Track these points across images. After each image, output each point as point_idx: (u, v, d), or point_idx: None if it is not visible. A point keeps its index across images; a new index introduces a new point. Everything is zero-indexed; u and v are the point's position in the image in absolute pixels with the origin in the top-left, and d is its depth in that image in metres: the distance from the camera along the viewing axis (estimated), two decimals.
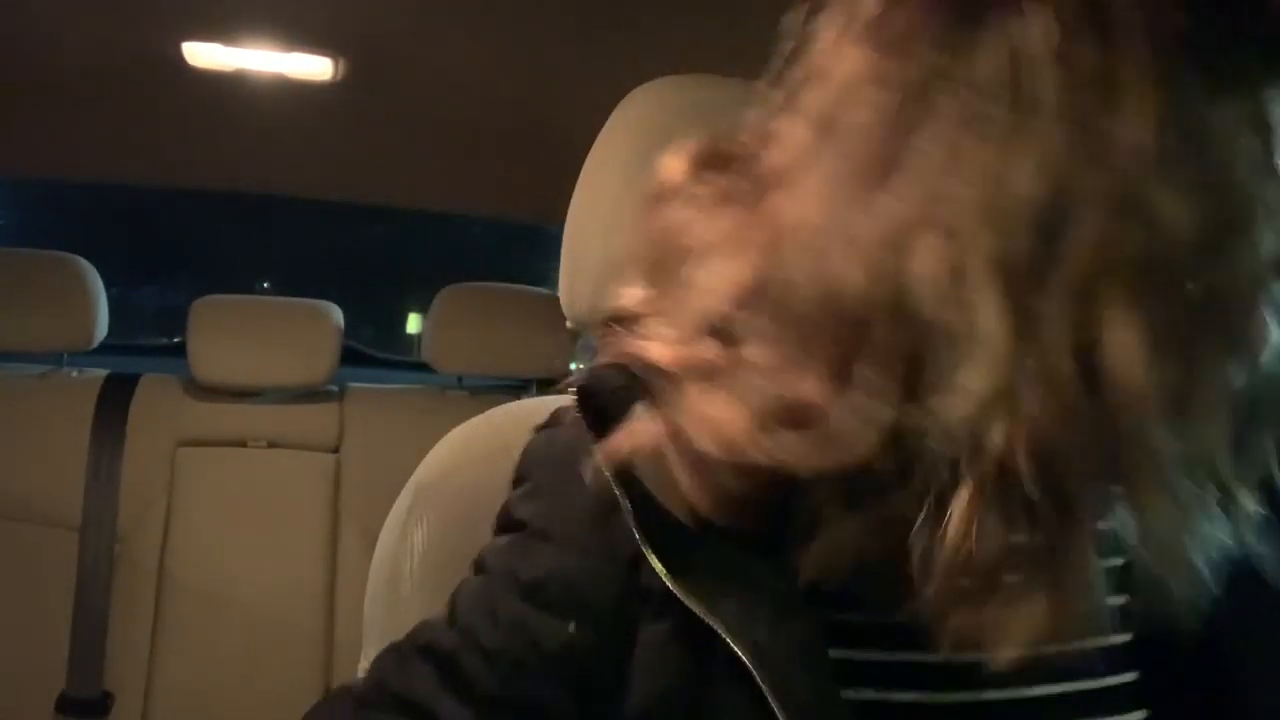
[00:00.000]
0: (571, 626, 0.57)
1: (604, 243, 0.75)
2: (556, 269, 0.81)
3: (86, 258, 1.97)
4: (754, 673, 0.51)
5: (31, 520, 1.80)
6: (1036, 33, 0.43)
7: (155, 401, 1.91)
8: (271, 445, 1.94)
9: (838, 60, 0.48)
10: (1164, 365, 0.43)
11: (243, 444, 1.94)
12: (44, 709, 1.74)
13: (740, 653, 0.52)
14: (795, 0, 0.54)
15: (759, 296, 0.50)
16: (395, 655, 0.62)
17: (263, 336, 1.95)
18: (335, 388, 2.03)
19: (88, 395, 1.88)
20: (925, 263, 0.44)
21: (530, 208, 1.98)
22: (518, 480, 0.64)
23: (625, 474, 0.55)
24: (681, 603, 0.53)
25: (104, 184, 2.51)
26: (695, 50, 1.30)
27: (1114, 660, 0.56)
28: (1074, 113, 0.43)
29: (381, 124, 1.70)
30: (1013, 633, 0.47)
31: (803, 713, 0.51)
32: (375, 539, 0.81)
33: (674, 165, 0.58)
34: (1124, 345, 0.43)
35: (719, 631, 0.52)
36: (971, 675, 0.52)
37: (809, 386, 0.48)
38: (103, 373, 1.96)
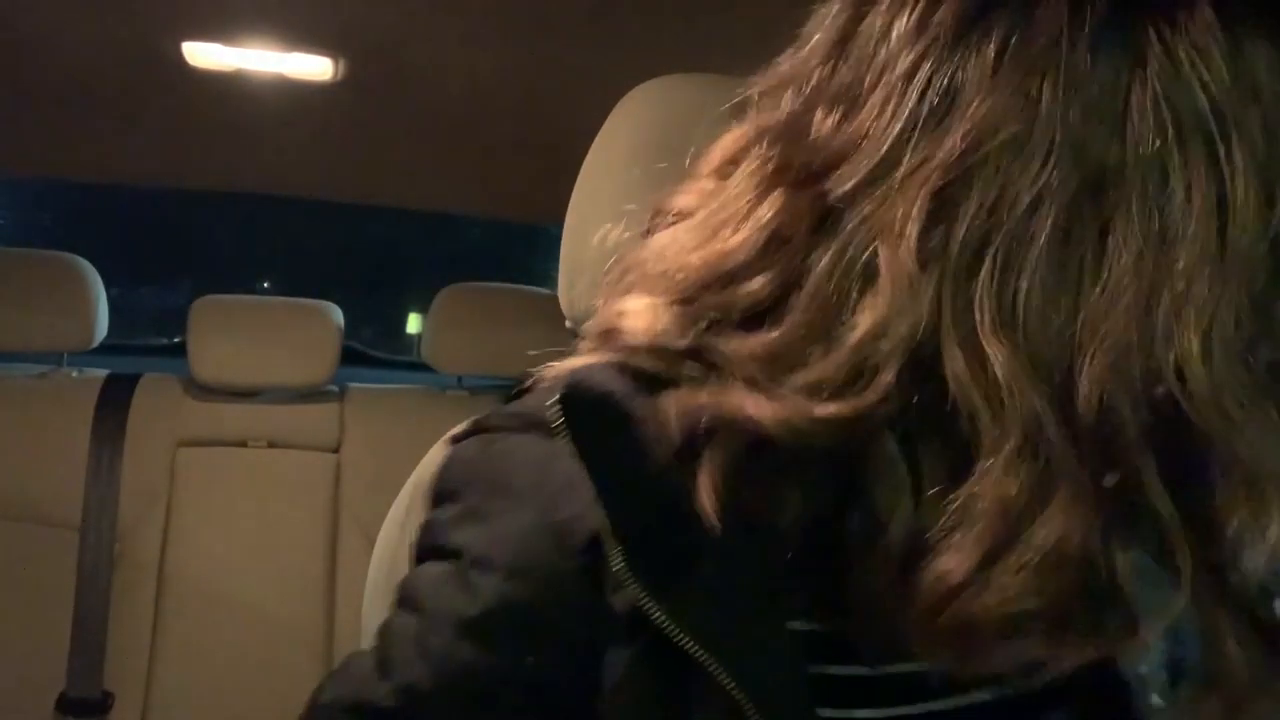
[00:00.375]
0: (529, 660, 0.53)
1: (603, 242, 0.75)
2: (556, 269, 0.81)
3: (86, 258, 1.97)
4: (735, 694, 0.49)
5: (31, 520, 1.80)
6: None
7: (155, 401, 1.91)
8: (272, 445, 1.94)
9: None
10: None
11: (243, 444, 1.94)
12: (44, 709, 1.73)
13: (723, 676, 0.49)
14: (793, 1, 0.55)
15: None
16: (316, 711, 0.56)
17: (263, 336, 1.95)
18: (335, 388, 2.03)
19: (88, 395, 1.88)
20: None
21: (530, 208, 1.98)
22: (441, 498, 0.58)
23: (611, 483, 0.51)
24: (651, 623, 0.50)
25: (104, 184, 2.51)
26: (695, 50, 1.30)
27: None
28: None
29: (381, 124, 1.70)
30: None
31: (767, 700, 0.49)
32: (375, 539, 0.81)
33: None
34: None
35: (701, 658, 0.49)
36: (919, 686, 0.51)
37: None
38: (103, 373, 1.96)
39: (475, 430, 0.59)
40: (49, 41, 1.38)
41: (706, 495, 0.49)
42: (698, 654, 0.50)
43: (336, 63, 1.42)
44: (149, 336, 2.87)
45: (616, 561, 0.50)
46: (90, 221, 3.57)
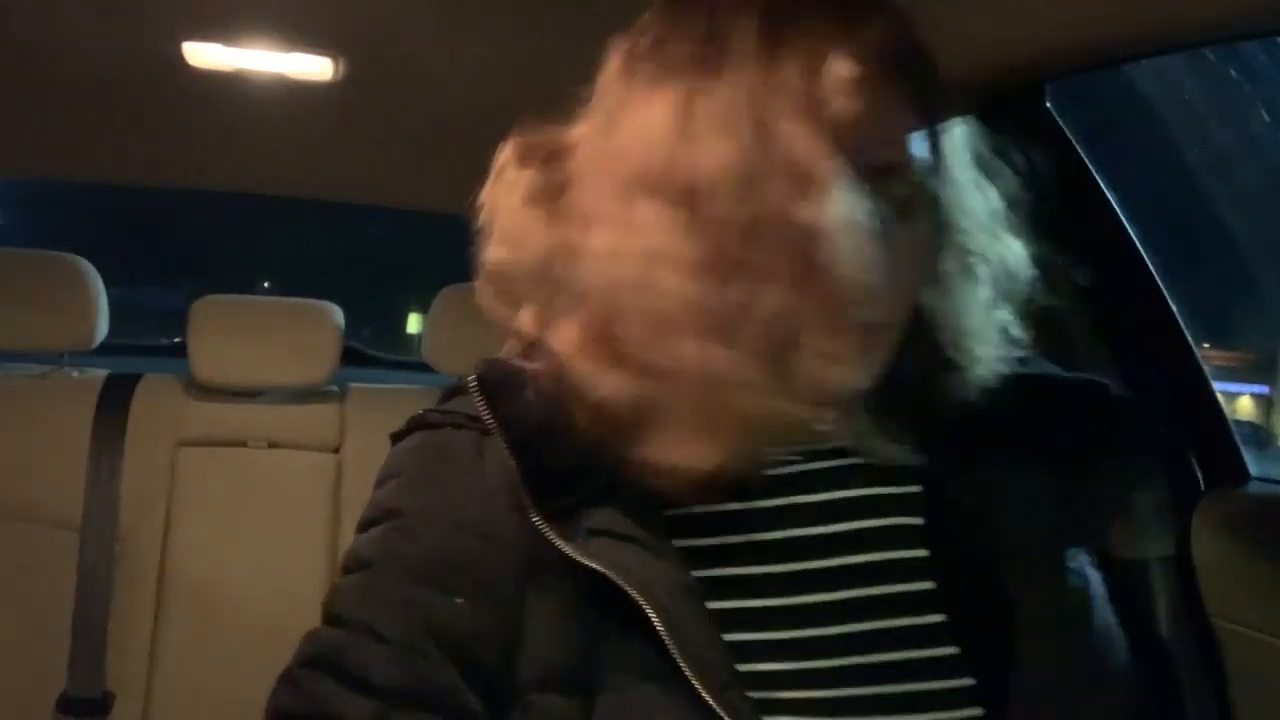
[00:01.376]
0: (459, 601, 0.61)
1: None
2: None
3: (86, 258, 1.97)
4: (651, 617, 0.58)
5: (31, 520, 1.80)
6: None
7: (155, 401, 1.91)
8: (272, 445, 1.94)
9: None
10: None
11: (243, 444, 1.93)
12: (44, 709, 1.73)
13: (638, 598, 0.58)
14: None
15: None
16: (286, 681, 0.63)
17: (263, 336, 1.95)
18: (335, 388, 2.03)
19: (88, 395, 1.88)
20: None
21: None
22: (384, 480, 0.68)
23: (516, 446, 0.62)
24: (570, 567, 0.59)
25: (104, 184, 2.51)
26: None
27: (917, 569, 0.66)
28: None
29: (381, 124, 1.70)
30: None
31: (691, 645, 0.58)
32: None
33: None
34: None
35: (618, 582, 0.59)
36: (798, 580, 0.64)
37: None
38: (103, 373, 1.96)
39: (415, 427, 0.69)
40: (49, 41, 1.38)
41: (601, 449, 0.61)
42: (610, 579, 0.59)
43: (336, 63, 1.42)
44: (149, 336, 2.87)
45: (533, 511, 0.61)
46: (90, 221, 3.57)
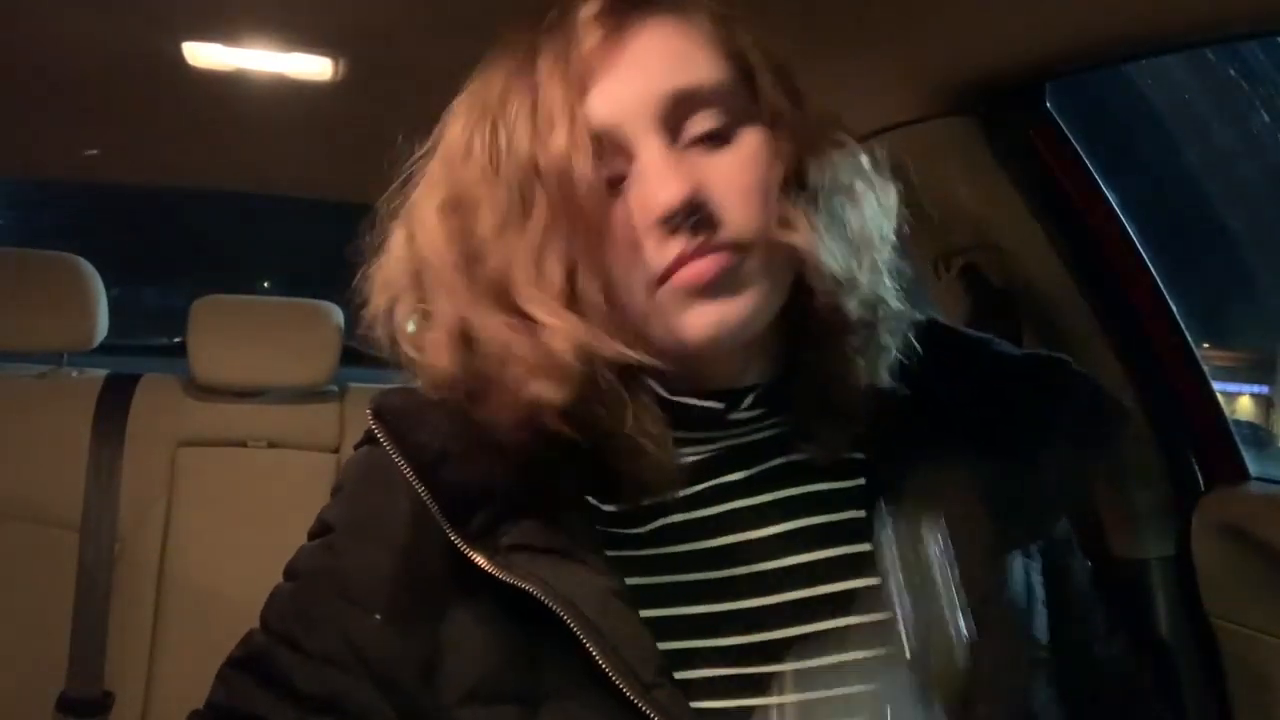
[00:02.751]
0: (378, 617, 0.62)
1: None
2: None
3: (86, 258, 1.97)
4: (571, 626, 0.58)
5: (31, 520, 1.80)
6: None
7: (155, 401, 1.91)
8: (272, 445, 1.94)
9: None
10: None
11: (243, 444, 1.93)
12: (44, 709, 1.73)
13: (557, 609, 0.58)
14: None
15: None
16: (219, 678, 0.67)
17: (263, 336, 1.95)
18: (335, 388, 2.03)
19: (88, 395, 1.88)
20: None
21: None
22: (333, 493, 0.71)
23: (424, 470, 0.63)
24: (493, 584, 0.60)
25: (104, 184, 2.51)
26: None
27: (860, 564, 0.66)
28: None
29: (381, 124, 1.70)
30: None
31: (618, 650, 0.58)
32: None
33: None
34: None
35: (536, 595, 0.59)
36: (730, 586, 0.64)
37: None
38: (103, 373, 1.96)
39: (365, 440, 0.71)
40: (49, 41, 1.38)
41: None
42: (534, 591, 0.59)
43: (336, 63, 1.41)
44: (149, 336, 2.87)
45: (451, 531, 0.61)
46: (90, 221, 3.57)
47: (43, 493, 1.81)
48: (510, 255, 0.60)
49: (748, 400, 0.67)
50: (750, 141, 0.63)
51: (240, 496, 1.89)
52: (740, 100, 0.64)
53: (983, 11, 1.02)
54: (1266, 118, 1.51)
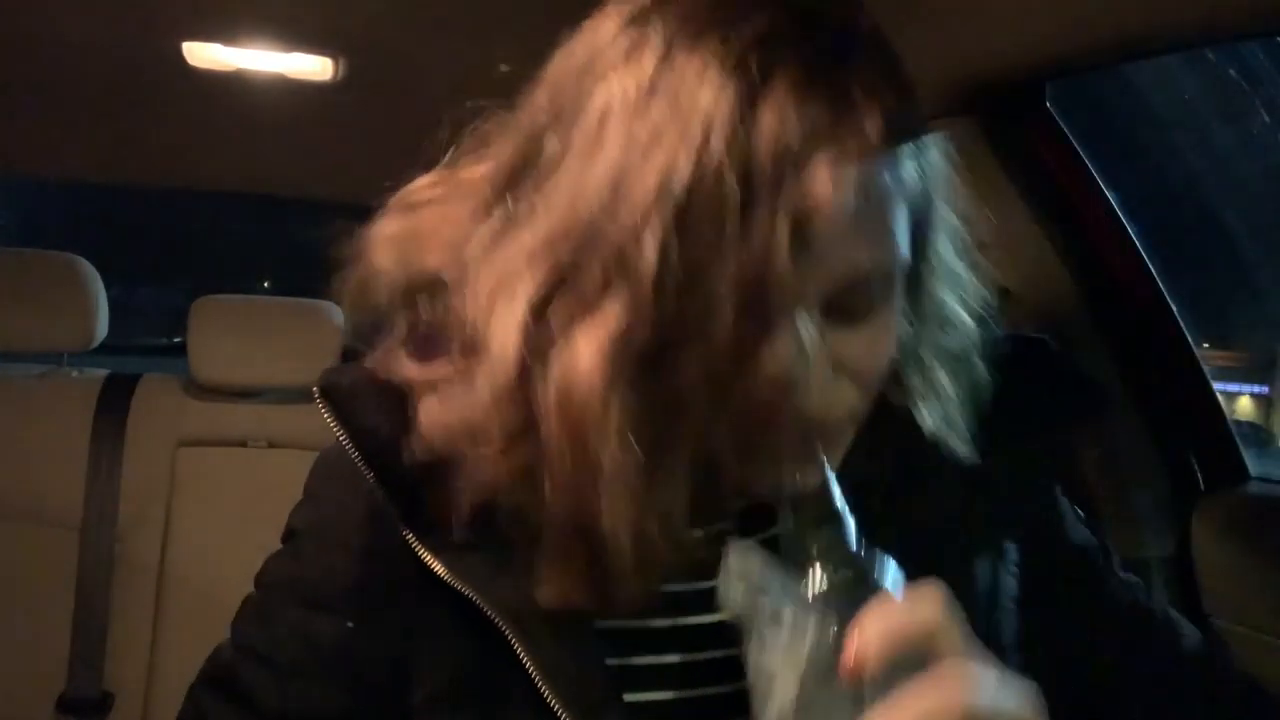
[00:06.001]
0: (349, 623, 0.59)
1: None
2: None
3: (86, 258, 1.97)
4: (511, 639, 0.55)
5: (31, 520, 1.80)
6: None
7: (155, 401, 1.91)
8: (271, 445, 1.94)
9: None
10: None
11: (243, 444, 1.93)
12: (44, 709, 1.73)
13: (498, 620, 0.55)
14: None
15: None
16: (188, 697, 0.64)
17: (263, 336, 1.95)
18: None
19: (88, 395, 1.88)
20: None
21: None
22: (303, 494, 0.67)
23: (373, 456, 0.58)
24: (452, 589, 0.56)
25: (104, 184, 2.51)
26: None
27: None
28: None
29: (381, 124, 1.70)
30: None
31: (560, 667, 0.55)
32: None
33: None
34: None
35: (477, 603, 0.56)
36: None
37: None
38: (103, 373, 1.96)
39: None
40: (49, 41, 1.38)
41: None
42: (476, 599, 0.56)
43: (336, 63, 1.42)
44: (149, 336, 2.87)
45: (402, 525, 0.58)
46: (90, 221, 3.57)
47: (43, 493, 1.81)
48: None
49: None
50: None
51: (240, 496, 1.89)
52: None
53: (983, 12, 1.02)
54: (1266, 118, 1.51)
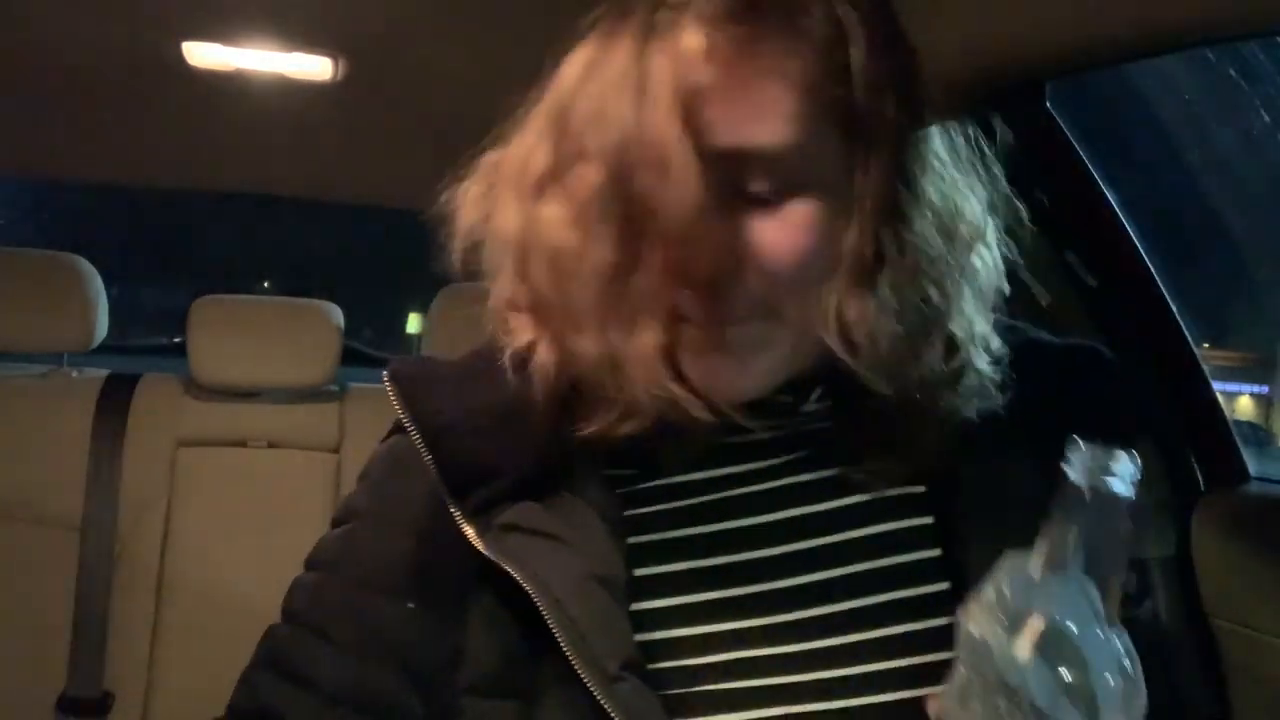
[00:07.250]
0: (411, 604, 0.62)
1: None
2: None
3: (86, 258, 1.97)
4: (541, 609, 0.57)
5: (31, 520, 1.80)
6: None
7: (155, 401, 1.91)
8: (272, 445, 1.94)
9: None
10: None
11: (243, 444, 1.93)
12: (44, 709, 1.73)
13: (530, 589, 0.57)
14: None
15: None
16: (241, 681, 0.66)
17: (263, 336, 1.95)
18: (336, 388, 2.03)
19: (88, 395, 1.88)
20: None
21: None
22: (359, 480, 0.69)
23: (432, 437, 0.62)
24: (496, 570, 0.59)
25: (104, 184, 2.51)
26: None
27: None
28: None
29: (381, 124, 1.70)
30: None
31: (586, 638, 0.57)
32: None
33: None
34: None
35: (510, 572, 0.58)
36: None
37: None
38: (103, 373, 1.96)
39: (394, 430, 0.69)
40: (49, 41, 1.38)
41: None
42: (522, 580, 0.58)
43: (336, 63, 1.41)
44: (149, 336, 2.87)
45: (451, 504, 0.60)
46: (90, 221, 3.57)
47: (43, 493, 1.81)
48: None
49: (816, 393, 0.64)
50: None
51: (240, 496, 1.89)
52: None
53: (983, 12, 1.02)
54: (1266, 118, 1.51)
